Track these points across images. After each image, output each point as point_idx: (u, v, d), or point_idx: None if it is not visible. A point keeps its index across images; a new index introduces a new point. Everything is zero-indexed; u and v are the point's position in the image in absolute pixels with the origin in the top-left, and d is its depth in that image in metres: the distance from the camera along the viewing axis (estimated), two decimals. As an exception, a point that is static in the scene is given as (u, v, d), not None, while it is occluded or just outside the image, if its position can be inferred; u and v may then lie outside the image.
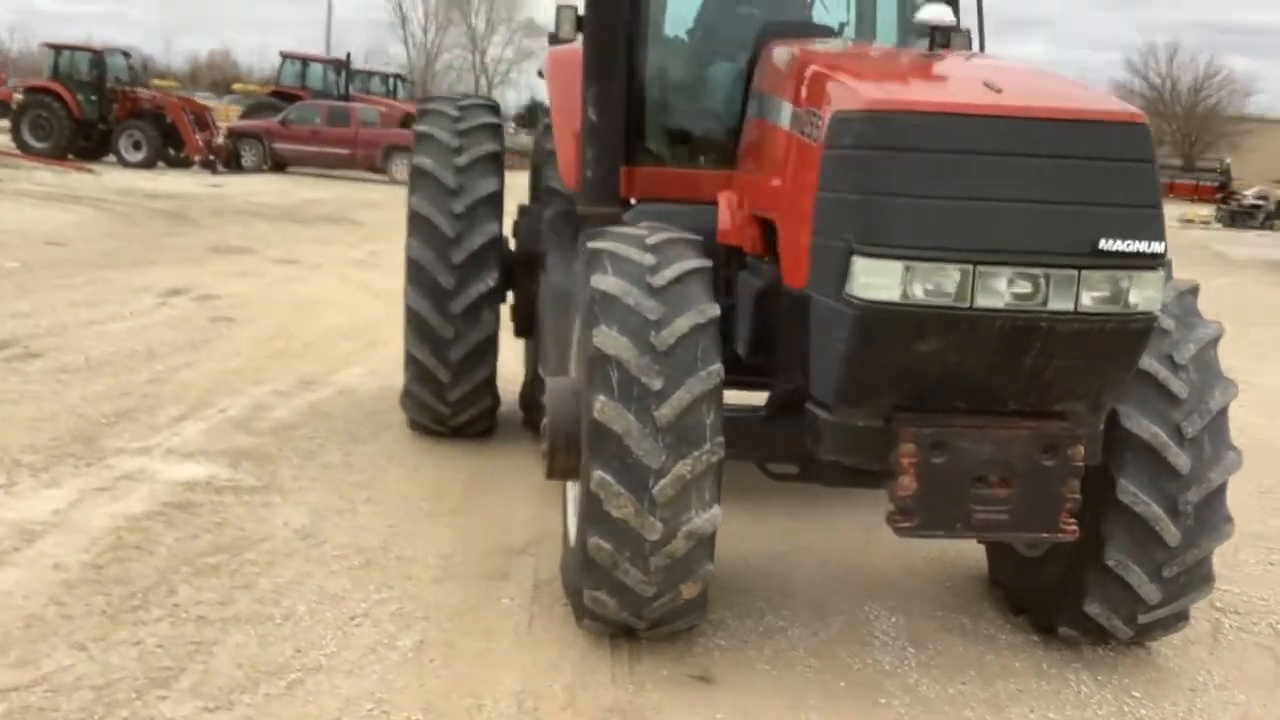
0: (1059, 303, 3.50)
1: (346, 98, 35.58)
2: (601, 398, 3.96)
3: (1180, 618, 4.43)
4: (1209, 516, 4.20)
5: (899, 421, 3.69)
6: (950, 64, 4.17)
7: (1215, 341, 4.24)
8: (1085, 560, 4.27)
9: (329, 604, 4.61)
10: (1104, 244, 3.47)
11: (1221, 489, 4.20)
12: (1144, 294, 3.55)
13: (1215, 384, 4.19)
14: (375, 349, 9.62)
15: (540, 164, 6.83)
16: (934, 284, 3.47)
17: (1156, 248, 3.52)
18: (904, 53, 4.35)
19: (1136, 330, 3.63)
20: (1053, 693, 4.26)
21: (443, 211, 6.47)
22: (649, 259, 4.24)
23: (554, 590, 4.82)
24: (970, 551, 5.33)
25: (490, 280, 6.50)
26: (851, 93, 3.77)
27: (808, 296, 3.90)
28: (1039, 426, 3.72)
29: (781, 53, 4.92)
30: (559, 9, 5.89)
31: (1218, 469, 4.17)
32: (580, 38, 5.90)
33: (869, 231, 3.52)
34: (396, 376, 8.34)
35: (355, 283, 13.37)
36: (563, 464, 4.48)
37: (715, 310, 4.09)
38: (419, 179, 6.57)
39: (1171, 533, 4.13)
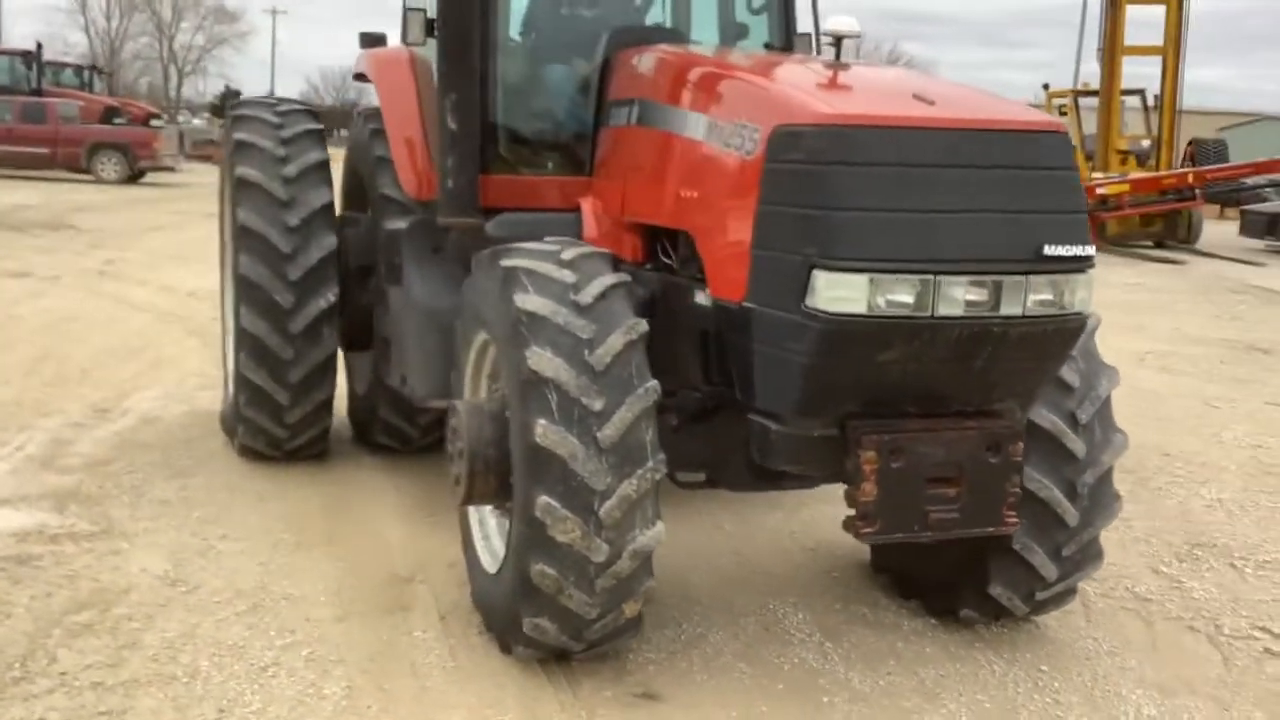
0: (1009, 307, 3.65)
1: (39, 92, 33.19)
2: (542, 421, 3.87)
3: (1071, 593, 4.72)
4: (1101, 496, 4.48)
5: (856, 429, 3.77)
6: (865, 75, 4.26)
7: (1095, 331, 4.51)
8: (988, 544, 4.47)
9: (232, 656, 4.31)
10: (1048, 249, 3.64)
11: (1110, 470, 4.50)
12: (1079, 295, 3.76)
13: (1101, 372, 4.47)
14: (161, 369, 9.07)
15: (367, 171, 6.57)
16: (897, 295, 3.56)
17: (1089, 250, 3.73)
18: (807, 61, 4.42)
19: (1073, 329, 3.84)
20: (971, 675, 4.45)
21: (276, 225, 6.14)
22: (569, 275, 4.16)
23: (461, 618, 4.68)
24: (842, 540, 5.50)
25: (330, 295, 6.22)
26: (793, 106, 3.80)
27: (747, 309, 3.92)
28: (983, 425, 3.88)
29: (663, 59, 4.92)
30: (407, 12, 5.68)
31: (1109, 451, 4.45)
32: (413, 42, 5.72)
33: (831, 245, 3.57)
34: (199, 399, 8.01)
35: (106, 296, 12.52)
36: (482, 489, 4.35)
37: (644, 325, 4.06)
38: (244, 191, 6.20)
39: (1071, 514, 4.39)
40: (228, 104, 6.81)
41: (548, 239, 4.54)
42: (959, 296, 3.60)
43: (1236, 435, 8.29)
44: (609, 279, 4.16)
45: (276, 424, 6.35)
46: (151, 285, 13.42)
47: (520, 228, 5.60)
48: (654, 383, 3.98)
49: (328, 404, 6.45)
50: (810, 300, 3.62)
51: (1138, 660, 4.65)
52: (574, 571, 3.92)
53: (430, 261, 5.74)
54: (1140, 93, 24.61)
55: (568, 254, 4.26)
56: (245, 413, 6.32)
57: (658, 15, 6.66)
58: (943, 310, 3.59)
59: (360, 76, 7.18)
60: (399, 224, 5.90)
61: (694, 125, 4.39)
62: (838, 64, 4.22)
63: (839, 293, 3.56)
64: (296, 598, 4.84)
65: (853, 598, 5.12)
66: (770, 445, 3.93)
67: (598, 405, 3.90)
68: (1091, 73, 26.12)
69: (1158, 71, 22.37)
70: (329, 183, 6.39)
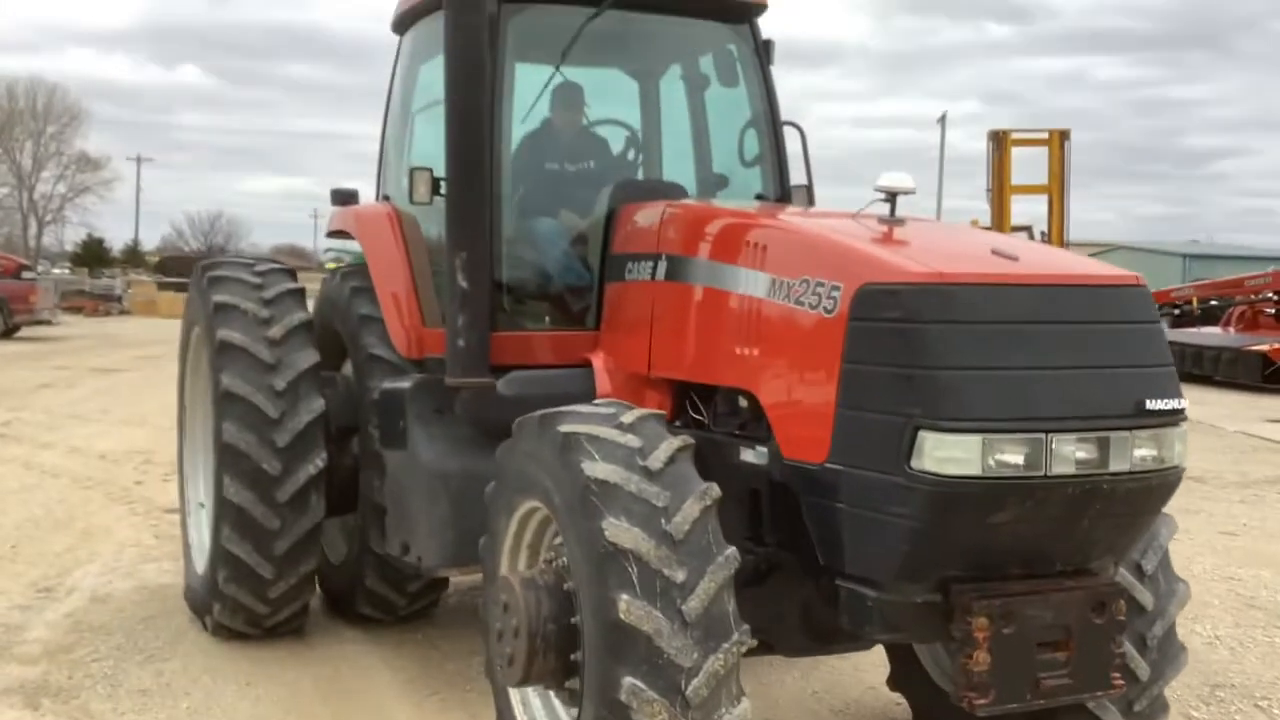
0: (1117, 464, 3.58)
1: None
2: (624, 596, 3.64)
3: (1140, 748, 4.58)
4: (1169, 648, 4.39)
5: (963, 594, 3.62)
6: (934, 231, 4.24)
7: None
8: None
9: None
10: (1149, 404, 3.60)
11: (1175, 621, 4.41)
12: (1177, 448, 3.72)
13: (1161, 520, 4.42)
14: (94, 541, 8.55)
15: (348, 330, 6.33)
16: (1009, 455, 3.46)
17: (1184, 404, 3.70)
18: (862, 218, 4.37)
19: (1172, 483, 3.78)
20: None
21: (261, 390, 5.85)
22: (633, 440, 3.98)
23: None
24: (869, 699, 5.33)
25: (319, 460, 5.92)
26: (880, 264, 3.73)
27: (833, 470, 3.79)
28: (1085, 584, 3.77)
29: (695, 214, 4.85)
30: (413, 172, 5.54)
31: (1174, 601, 4.38)
32: (419, 201, 5.59)
33: (939, 405, 3.47)
34: (145, 573, 7.56)
35: (13, 460, 11.87)
36: (541, 669, 4.08)
37: (717, 490, 3.89)
38: (227, 355, 5.91)
39: (1142, 668, 4.28)
40: (200, 264, 6.52)
41: (597, 401, 4.36)
42: (1070, 454, 3.52)
43: (1206, 568, 8.35)
44: (675, 442, 3.99)
45: (259, 600, 5.97)
46: (58, 447, 12.79)
47: (532, 386, 5.44)
48: (733, 550, 3.79)
49: (312, 575, 6.10)
50: (916, 462, 3.50)
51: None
52: (660, 758, 3.66)
53: (436, 423, 5.50)
54: (1028, 229, 25.55)
55: (627, 417, 4.08)
56: (225, 589, 5.92)
57: (631, 167, 6.66)
58: (1056, 469, 3.50)
59: (337, 234, 7.01)
60: (397, 384, 5.65)
61: (748, 282, 4.29)
62: (894, 220, 4.18)
63: (949, 454, 3.45)
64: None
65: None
66: (866, 612, 3.75)
67: (680, 576, 3.69)
68: (965, 210, 27.09)
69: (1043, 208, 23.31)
70: (314, 343, 6.14)
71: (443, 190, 5.49)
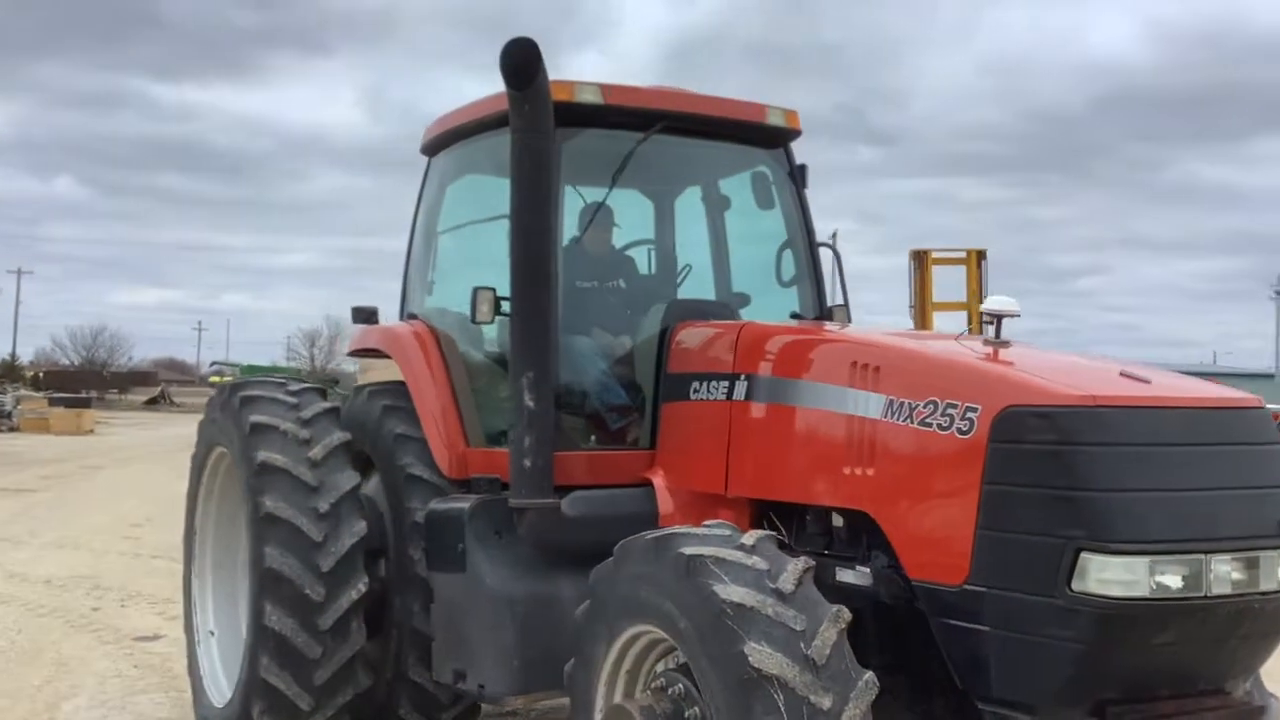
0: (1266, 583, 3.65)
1: None
2: (775, 727, 3.59)
3: None
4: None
5: (1123, 716, 3.64)
6: (1046, 355, 4.32)
7: None
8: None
9: None
10: None
11: None
12: None
13: None
14: (73, 672, 8.21)
15: (380, 450, 6.21)
16: (1171, 576, 3.51)
17: None
18: (967, 340, 4.45)
19: None
20: None
21: (304, 512, 5.69)
22: (760, 562, 3.95)
23: None
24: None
25: (361, 585, 5.75)
26: (1023, 387, 3.80)
27: (974, 593, 3.80)
28: (1229, 703, 3.82)
29: (786, 336, 4.89)
30: (477, 291, 5.51)
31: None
32: (481, 320, 5.57)
33: (1103, 528, 3.51)
34: (140, 706, 7.22)
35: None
36: (666, 811, 3.98)
37: (848, 612, 3.87)
38: (267, 476, 5.75)
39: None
40: (226, 388, 6.38)
41: (708, 524, 4.33)
42: (1226, 574, 3.59)
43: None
44: (800, 564, 3.98)
45: (294, 732, 5.73)
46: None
47: (596, 506, 5.42)
48: (871, 674, 3.77)
49: (348, 706, 5.87)
50: (1078, 584, 3.53)
51: None
52: None
53: (496, 545, 5.40)
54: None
55: (747, 539, 4.06)
56: (262, 724, 5.68)
57: (666, 286, 6.71)
58: (1215, 589, 3.57)
59: (361, 352, 6.94)
60: (453, 505, 5.54)
61: (858, 403, 4.33)
62: (1001, 342, 4.28)
63: (1115, 575, 3.49)
64: None
65: None
66: None
67: (826, 703, 3.65)
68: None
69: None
70: (353, 464, 6.01)
71: (503, 309, 5.49)
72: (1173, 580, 3.52)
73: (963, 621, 3.86)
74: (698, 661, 3.88)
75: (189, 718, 6.88)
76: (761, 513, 4.95)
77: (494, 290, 5.51)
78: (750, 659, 3.65)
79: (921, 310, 23.56)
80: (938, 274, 23.80)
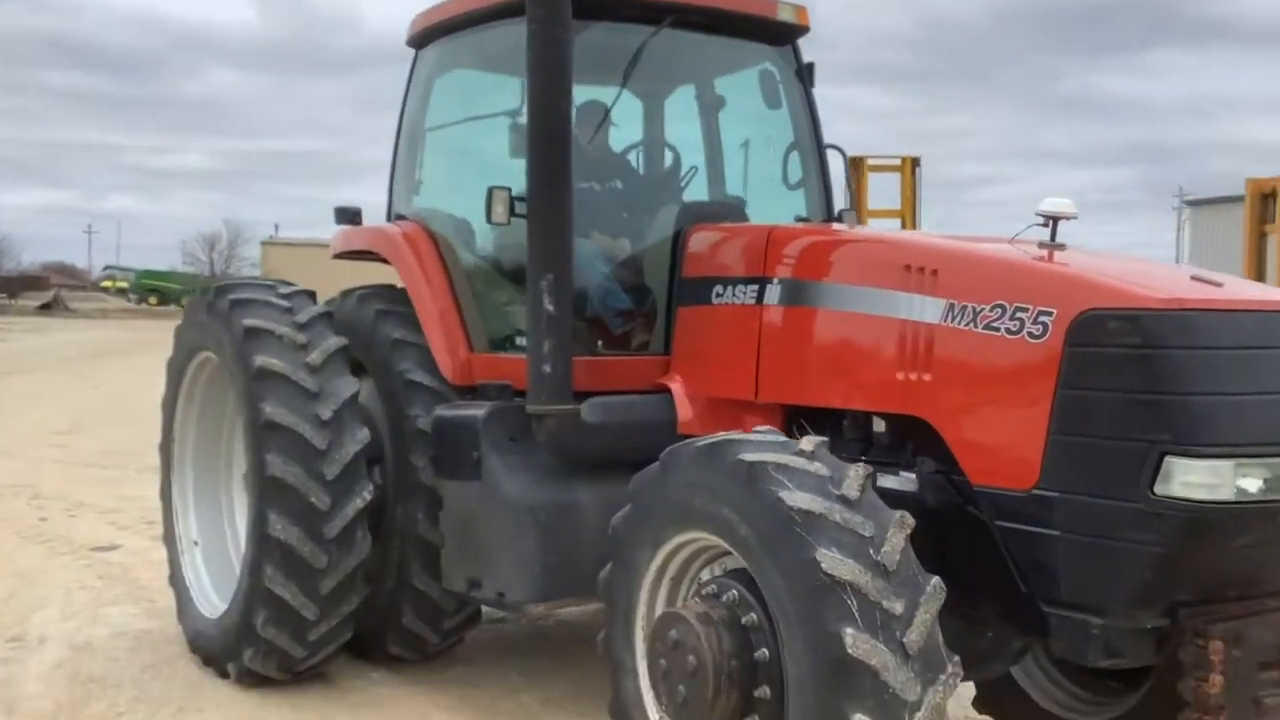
0: None
1: None
2: (850, 630, 3.54)
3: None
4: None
5: (1194, 617, 3.66)
6: (1109, 257, 4.27)
7: None
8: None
9: None
10: None
11: None
12: None
13: None
14: (35, 584, 7.93)
15: (376, 356, 6.01)
16: (1254, 478, 3.51)
17: None
18: (1021, 243, 4.37)
19: None
20: None
21: (306, 419, 5.51)
22: (821, 468, 3.88)
23: None
24: None
25: (366, 494, 5.60)
26: (1104, 290, 3.74)
27: (1044, 497, 3.78)
28: (1294, 605, 3.87)
29: (827, 239, 4.78)
30: (492, 191, 5.31)
31: None
32: (497, 221, 5.37)
33: (1191, 431, 3.49)
34: (111, 617, 7.09)
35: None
36: (724, 707, 3.94)
37: (910, 518, 3.83)
38: (267, 383, 5.55)
39: None
40: (214, 287, 6.12)
41: (758, 429, 4.24)
42: None
43: None
44: (861, 469, 3.92)
45: (298, 643, 5.61)
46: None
47: (615, 412, 5.32)
48: (938, 579, 3.74)
49: (353, 616, 5.75)
50: (1162, 488, 3.52)
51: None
52: (883, 798, 3.58)
53: (512, 452, 5.28)
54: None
55: (806, 445, 3.98)
56: (264, 633, 5.54)
57: (670, 188, 6.54)
58: None
59: (347, 255, 6.70)
60: (466, 412, 5.39)
61: (913, 307, 4.25)
62: (1057, 245, 4.21)
63: (1200, 479, 3.47)
64: None
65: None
66: (1089, 640, 3.74)
67: (898, 608, 3.62)
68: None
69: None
70: (351, 370, 5.82)
71: (518, 210, 5.31)
72: (1254, 483, 3.52)
73: (1031, 526, 3.84)
74: (762, 569, 3.82)
75: (167, 628, 6.74)
76: (792, 419, 4.88)
77: (509, 190, 5.32)
78: (823, 565, 3.59)
79: (859, 215, 23.60)
80: (870, 180, 23.84)
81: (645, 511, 4.31)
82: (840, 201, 6.37)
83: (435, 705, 5.70)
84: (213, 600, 6.27)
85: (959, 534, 4.25)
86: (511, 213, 5.31)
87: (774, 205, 6.35)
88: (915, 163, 23.89)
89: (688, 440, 4.22)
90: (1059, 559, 3.79)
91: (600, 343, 5.68)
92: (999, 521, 3.97)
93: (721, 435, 4.15)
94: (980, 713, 5.23)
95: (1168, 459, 3.51)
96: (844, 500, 3.77)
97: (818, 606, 3.60)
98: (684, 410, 5.35)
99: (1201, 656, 3.61)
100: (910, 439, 4.49)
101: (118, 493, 11.46)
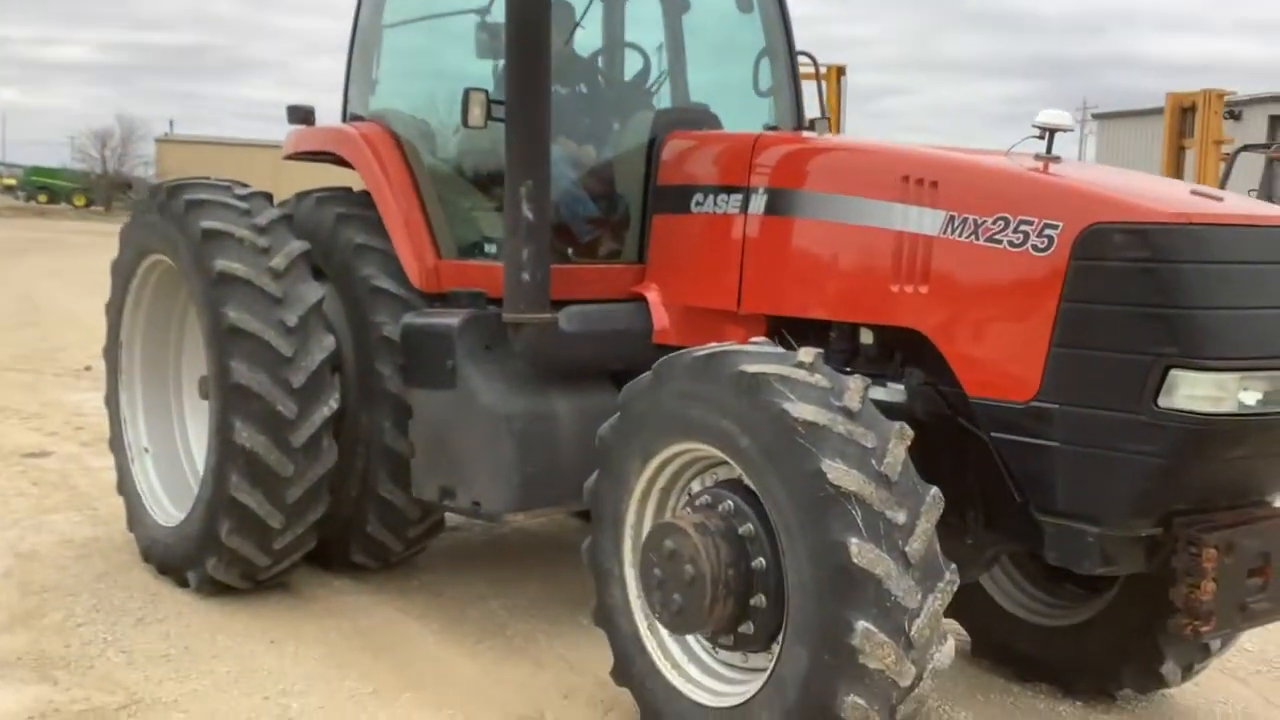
0: None
1: None
2: (854, 540, 3.58)
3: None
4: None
5: (1187, 526, 3.75)
6: (1108, 171, 4.27)
7: None
8: (1154, 622, 4.56)
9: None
10: None
11: None
12: None
13: None
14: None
15: (337, 261, 5.86)
16: (1256, 392, 3.57)
17: None
18: (1018, 155, 4.36)
19: None
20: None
21: (271, 325, 5.37)
22: (821, 380, 3.89)
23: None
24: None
25: (333, 402, 5.50)
26: (1111, 204, 3.75)
27: (1042, 409, 3.83)
28: (1271, 513, 3.96)
29: (813, 148, 4.73)
30: (468, 93, 5.16)
31: None
32: (473, 124, 5.23)
33: (1196, 345, 3.54)
34: (55, 525, 6.96)
35: None
36: (720, 615, 3.97)
37: (909, 429, 3.86)
38: (228, 288, 5.39)
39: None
40: (164, 187, 5.88)
41: (754, 341, 4.23)
42: None
43: None
44: (861, 382, 3.93)
45: (262, 551, 5.53)
46: None
47: (593, 321, 5.27)
48: (936, 489, 3.79)
49: (317, 525, 5.68)
50: (1165, 400, 3.57)
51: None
52: (879, 700, 3.65)
53: (487, 360, 5.20)
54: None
55: (804, 356, 3.98)
56: (228, 541, 5.45)
57: (626, 93, 6.42)
58: None
59: (301, 156, 6.49)
60: (439, 320, 5.29)
61: (909, 218, 4.24)
62: (1052, 158, 4.22)
63: (1203, 392, 3.54)
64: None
65: (981, 686, 5.06)
66: (1085, 548, 3.83)
67: (900, 518, 3.67)
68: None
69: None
70: (314, 275, 5.67)
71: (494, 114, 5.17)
72: (1254, 396, 3.59)
73: (1029, 437, 3.89)
74: (763, 480, 3.83)
75: (114, 536, 6.63)
76: (774, 330, 4.87)
77: (486, 92, 5.18)
78: (829, 476, 3.61)
79: (831, 125, 23.51)
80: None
81: (636, 422, 4.29)
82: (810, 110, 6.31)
83: (403, 613, 5.67)
84: (167, 508, 6.15)
85: (946, 445, 4.31)
86: (489, 116, 5.17)
87: (741, 113, 6.28)
88: (841, 72, 23.87)
89: (681, 351, 4.19)
90: (1057, 470, 3.86)
91: (570, 250, 5.61)
92: (996, 433, 4.02)
93: (717, 346, 4.13)
94: (946, 616, 5.33)
95: (1172, 372, 3.57)
96: (846, 412, 3.79)
97: (823, 517, 3.63)
98: (660, 319, 5.32)
99: (1194, 564, 3.71)
100: (899, 350, 4.52)
101: (39, 398, 11.17)
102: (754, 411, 3.83)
